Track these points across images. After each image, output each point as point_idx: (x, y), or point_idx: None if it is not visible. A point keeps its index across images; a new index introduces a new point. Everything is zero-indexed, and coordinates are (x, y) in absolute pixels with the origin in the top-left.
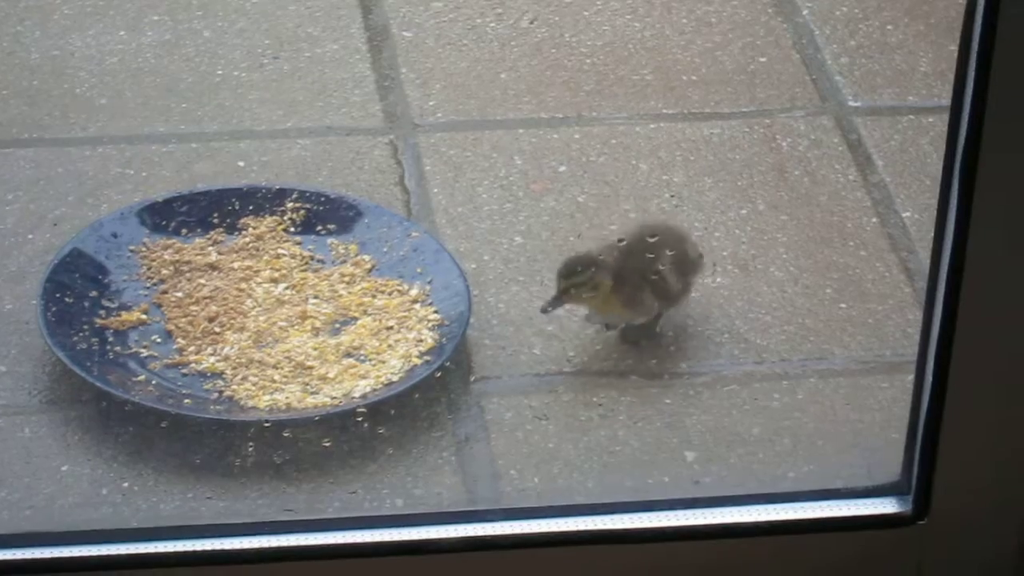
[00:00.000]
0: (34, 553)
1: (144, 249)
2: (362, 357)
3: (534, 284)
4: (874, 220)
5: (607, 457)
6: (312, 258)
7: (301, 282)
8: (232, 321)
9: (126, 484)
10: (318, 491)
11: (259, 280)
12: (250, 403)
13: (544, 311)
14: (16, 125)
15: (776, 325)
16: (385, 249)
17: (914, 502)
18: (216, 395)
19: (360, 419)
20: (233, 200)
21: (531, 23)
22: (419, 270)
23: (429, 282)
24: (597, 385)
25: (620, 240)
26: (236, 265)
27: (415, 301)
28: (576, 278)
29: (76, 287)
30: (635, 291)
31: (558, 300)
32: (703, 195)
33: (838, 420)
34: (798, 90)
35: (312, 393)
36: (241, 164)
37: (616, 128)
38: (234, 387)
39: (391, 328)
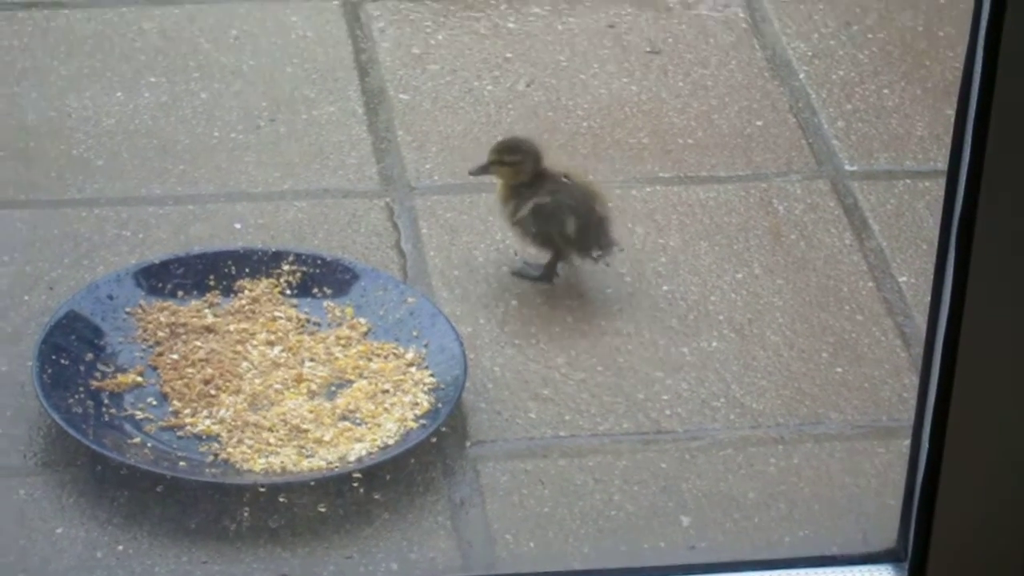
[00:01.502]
0: None
1: (140, 311)
2: (358, 420)
3: (530, 348)
4: (870, 284)
5: (602, 522)
6: (308, 321)
7: (297, 345)
8: (228, 384)
9: (121, 547)
10: (313, 555)
11: (255, 343)
12: (246, 466)
13: (470, 173)
14: (12, 186)
15: (772, 389)
16: (381, 312)
17: (910, 569)
18: (212, 458)
19: (355, 483)
20: (229, 262)
21: (527, 86)
22: (415, 333)
23: (425, 345)
24: (592, 449)
25: (566, 176)
26: (232, 327)
27: (411, 364)
28: (507, 155)
29: (72, 349)
30: (536, 210)
31: (484, 168)
32: (699, 259)
33: (834, 485)
34: (794, 154)
35: (308, 456)
36: (237, 226)
37: (612, 191)
38: (229, 450)
39: (387, 391)
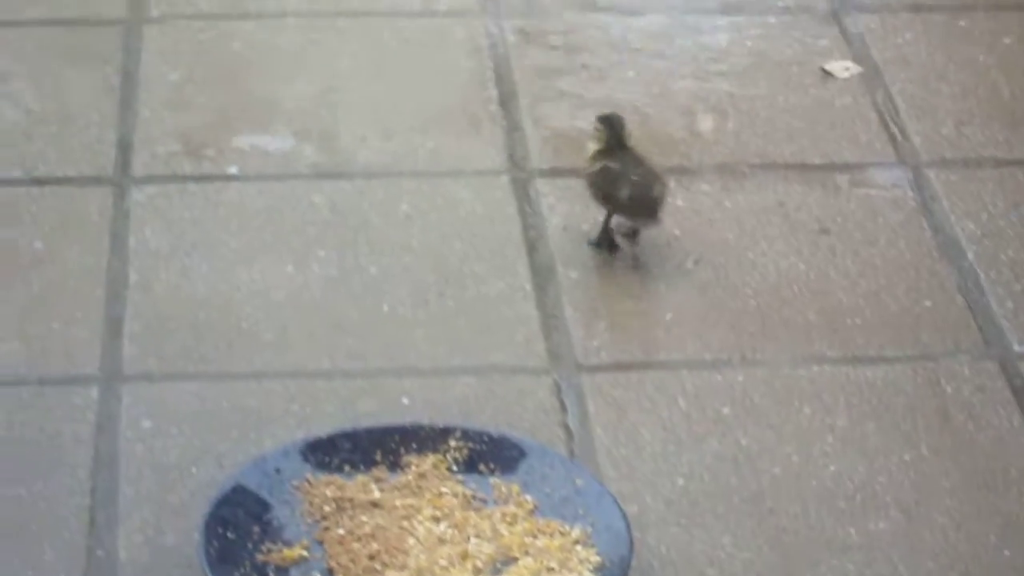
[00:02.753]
0: None
1: (307, 485)
2: None
3: (695, 527)
4: None
5: None
6: (474, 497)
7: (463, 521)
8: (393, 559)
9: None
10: None
11: (421, 518)
12: None
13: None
14: (182, 358)
15: (938, 571)
16: (547, 490)
17: None
18: None
19: None
20: (396, 437)
21: (695, 264)
22: (581, 511)
23: (591, 524)
24: None
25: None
26: (398, 503)
27: (576, 543)
28: (596, 124)
29: (238, 522)
30: (603, 170)
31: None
32: (866, 439)
33: None
34: (962, 334)
35: None
36: (405, 401)
37: (780, 370)
38: None
39: (552, 569)
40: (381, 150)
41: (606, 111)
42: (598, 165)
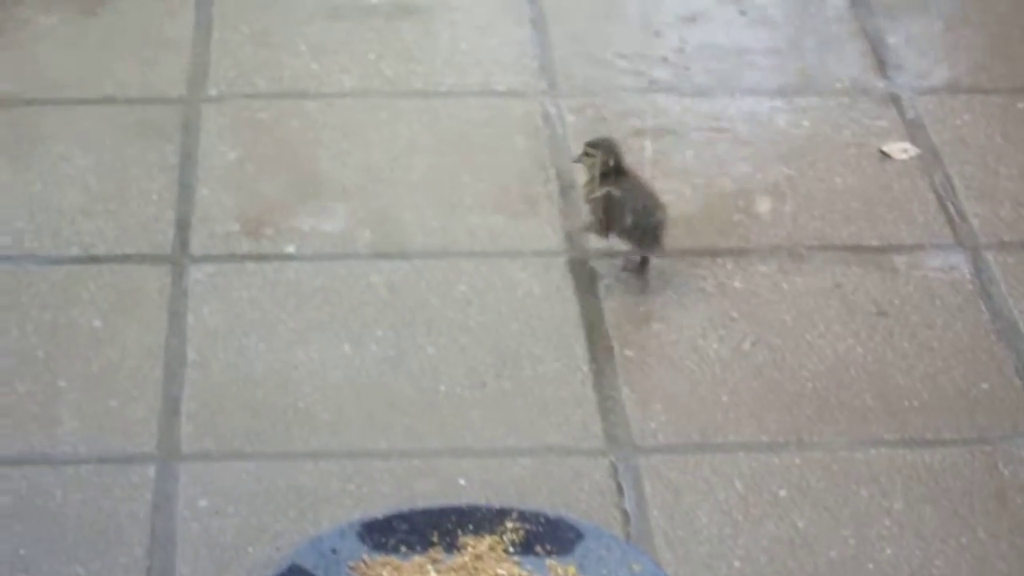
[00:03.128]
0: None
1: (363, 566)
2: None
3: None
4: None
5: None
6: None
7: None
8: None
9: None
10: None
11: None
12: None
13: (573, 161)
14: (239, 437)
15: None
16: (604, 572)
17: None
18: None
19: None
20: (453, 518)
21: (752, 345)
22: None
23: None
24: None
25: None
26: None
27: None
28: (590, 149)
29: None
30: (607, 196)
31: (579, 158)
32: (923, 523)
33: None
34: (1020, 417)
35: None
36: (462, 482)
37: (837, 453)
38: None
39: None
40: (439, 230)
41: (597, 137)
42: (601, 192)
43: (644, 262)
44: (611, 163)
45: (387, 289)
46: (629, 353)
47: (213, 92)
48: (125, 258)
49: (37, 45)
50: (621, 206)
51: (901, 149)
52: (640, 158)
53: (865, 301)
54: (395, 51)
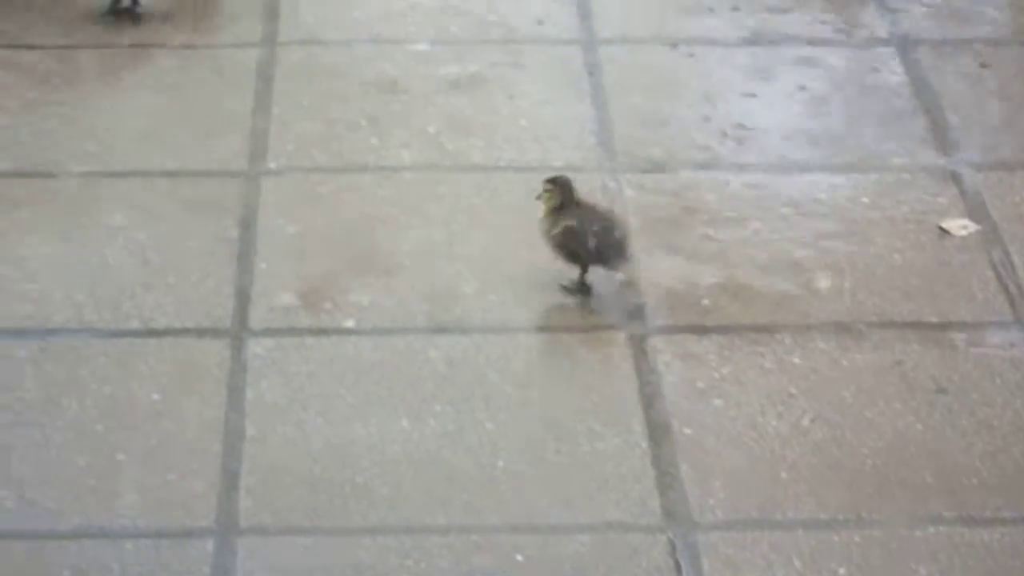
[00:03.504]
0: None
1: None
2: None
3: None
4: None
5: None
6: None
7: None
8: None
9: None
10: None
11: None
12: None
13: (536, 198)
14: (297, 512)
15: None
16: None
17: None
18: None
19: None
20: None
21: (811, 422)
22: None
23: None
24: None
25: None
26: None
27: None
28: (546, 185)
29: None
30: (566, 230)
31: (539, 196)
32: None
33: None
34: None
35: None
36: (519, 558)
37: (896, 531)
38: None
39: None
40: (498, 305)
41: (553, 175)
42: (560, 227)
43: (586, 283)
44: (565, 199)
45: (445, 364)
46: (688, 429)
47: (273, 166)
48: (184, 332)
49: (98, 118)
50: (582, 233)
51: (960, 226)
52: (698, 234)
53: (924, 378)
54: (454, 125)
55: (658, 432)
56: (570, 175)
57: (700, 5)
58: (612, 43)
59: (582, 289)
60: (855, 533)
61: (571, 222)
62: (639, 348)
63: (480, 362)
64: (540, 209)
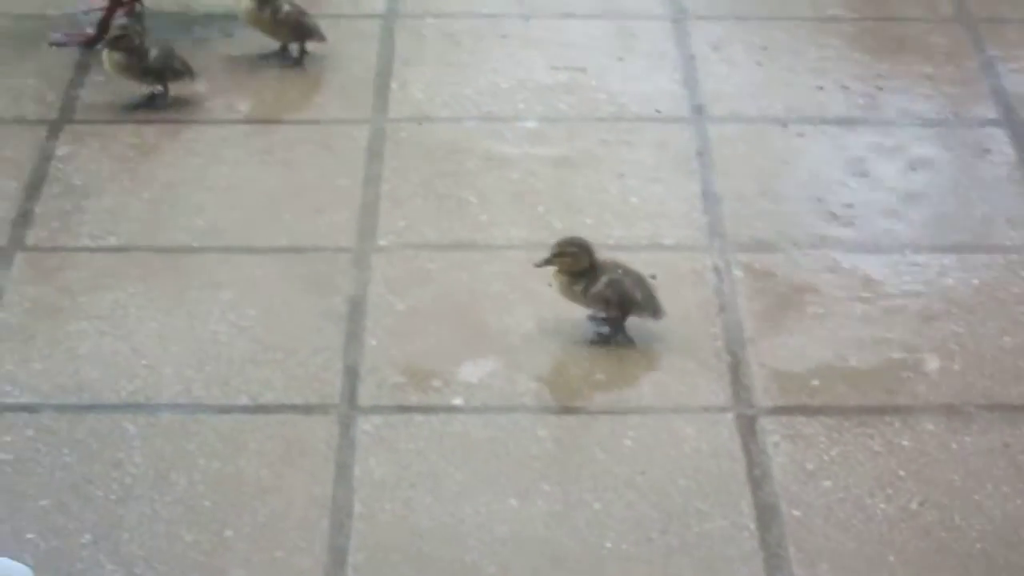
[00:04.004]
0: None
1: None
2: None
3: None
4: None
5: None
6: None
7: None
8: None
9: None
10: None
11: None
12: None
13: (536, 265)
14: None
15: None
16: None
17: None
18: None
19: None
20: None
21: (920, 505)
22: None
23: None
24: None
25: (617, 265)
26: None
27: None
28: (568, 247)
29: None
30: (611, 283)
31: (549, 260)
32: None
33: None
34: None
35: None
36: None
37: None
38: None
39: None
40: (605, 384)
41: (569, 236)
42: (602, 282)
43: (617, 326)
44: (590, 258)
45: (554, 443)
46: (796, 511)
47: (382, 242)
48: (293, 408)
49: (208, 193)
50: (627, 284)
51: None
52: (808, 315)
53: None
54: (564, 203)
55: (766, 514)
56: (679, 254)
57: (810, 84)
58: (722, 121)
59: (622, 338)
60: None
61: (614, 275)
62: (748, 429)
63: (588, 442)
64: (555, 276)
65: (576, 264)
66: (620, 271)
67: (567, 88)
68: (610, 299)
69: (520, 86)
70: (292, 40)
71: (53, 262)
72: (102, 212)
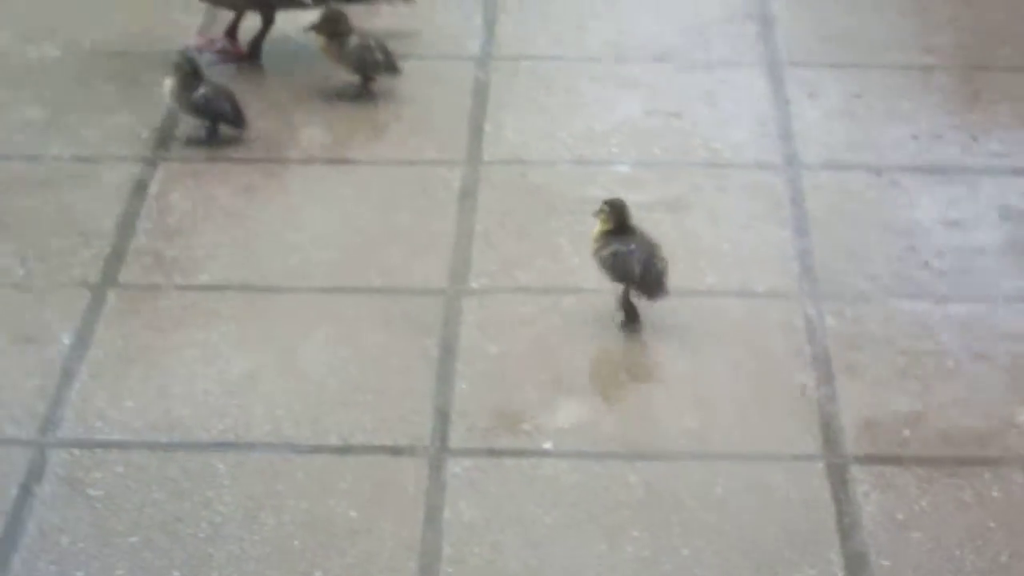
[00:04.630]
0: None
1: None
2: None
3: None
4: None
5: None
6: None
7: None
8: None
9: None
10: None
11: None
12: None
13: (594, 214)
14: None
15: None
16: None
17: None
18: None
19: None
20: None
21: (1009, 557)
22: None
23: None
24: None
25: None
26: None
27: None
28: (605, 204)
29: None
30: (615, 252)
31: (596, 212)
32: None
33: None
34: None
35: None
36: None
37: None
38: None
39: None
40: (696, 431)
41: (611, 197)
42: (608, 249)
43: (633, 314)
44: (617, 221)
45: (644, 489)
46: (885, 561)
47: (475, 285)
48: (383, 449)
49: (302, 232)
50: (629, 258)
51: None
52: (898, 365)
53: None
54: None
55: (855, 563)
56: (771, 302)
57: (904, 133)
58: (815, 169)
59: (627, 311)
60: None
61: (620, 247)
62: (838, 477)
63: (678, 488)
64: (595, 227)
65: (605, 222)
66: (637, 246)
67: (660, 133)
68: (610, 266)
69: (614, 130)
70: (358, 73)
71: (145, 300)
72: (195, 250)
